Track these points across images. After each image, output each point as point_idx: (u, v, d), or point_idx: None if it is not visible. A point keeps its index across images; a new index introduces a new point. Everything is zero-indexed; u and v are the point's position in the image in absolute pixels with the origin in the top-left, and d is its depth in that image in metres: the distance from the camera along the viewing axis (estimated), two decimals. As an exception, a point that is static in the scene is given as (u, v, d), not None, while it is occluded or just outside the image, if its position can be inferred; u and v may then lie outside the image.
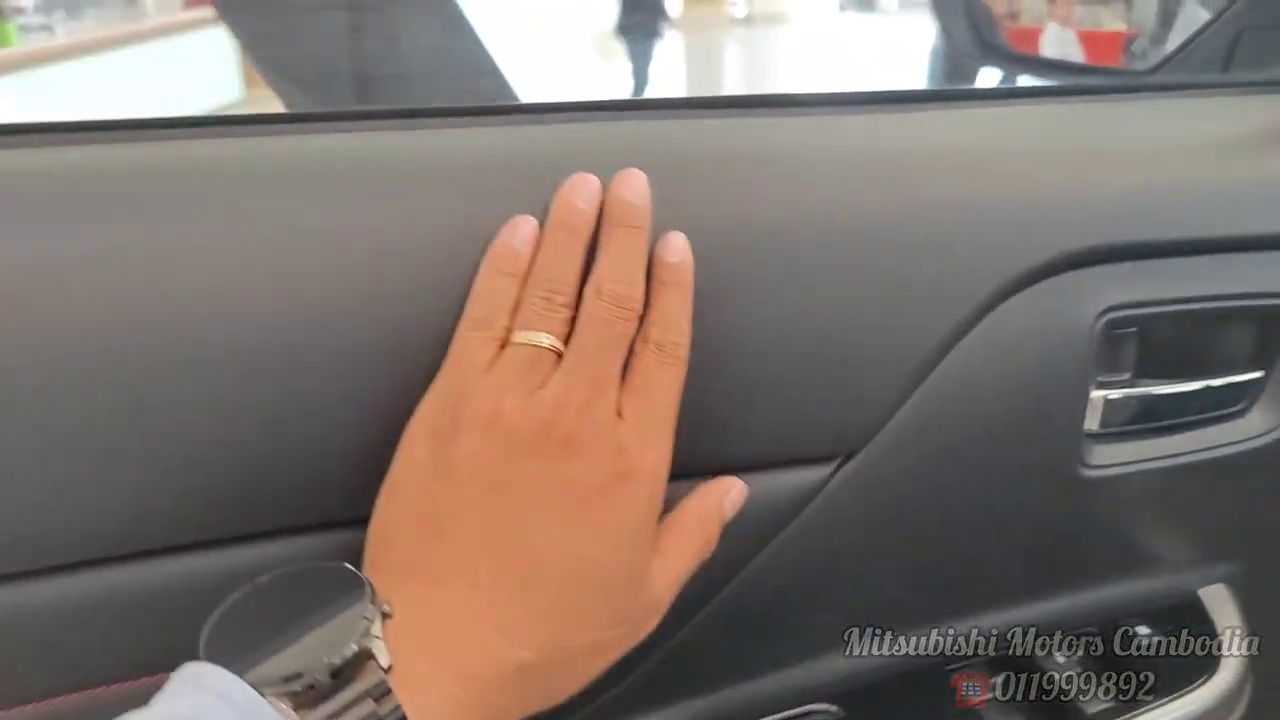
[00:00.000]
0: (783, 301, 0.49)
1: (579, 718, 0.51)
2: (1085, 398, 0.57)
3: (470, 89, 1.23)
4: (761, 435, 0.50)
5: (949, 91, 0.64)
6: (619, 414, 0.42)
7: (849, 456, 0.52)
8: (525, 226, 0.43)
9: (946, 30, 1.03)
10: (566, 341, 0.42)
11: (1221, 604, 0.66)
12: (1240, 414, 0.62)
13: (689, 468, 0.47)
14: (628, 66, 6.56)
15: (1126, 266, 0.56)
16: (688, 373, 0.44)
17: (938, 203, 0.52)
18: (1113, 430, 0.59)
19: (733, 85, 9.37)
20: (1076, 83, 1.04)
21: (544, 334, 0.42)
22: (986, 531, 0.58)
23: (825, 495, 0.52)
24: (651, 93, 6.62)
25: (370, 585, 0.38)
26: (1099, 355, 0.56)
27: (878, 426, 0.52)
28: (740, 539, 0.51)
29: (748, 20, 12.05)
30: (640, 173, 0.44)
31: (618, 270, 0.43)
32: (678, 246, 0.44)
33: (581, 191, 0.43)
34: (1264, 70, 0.83)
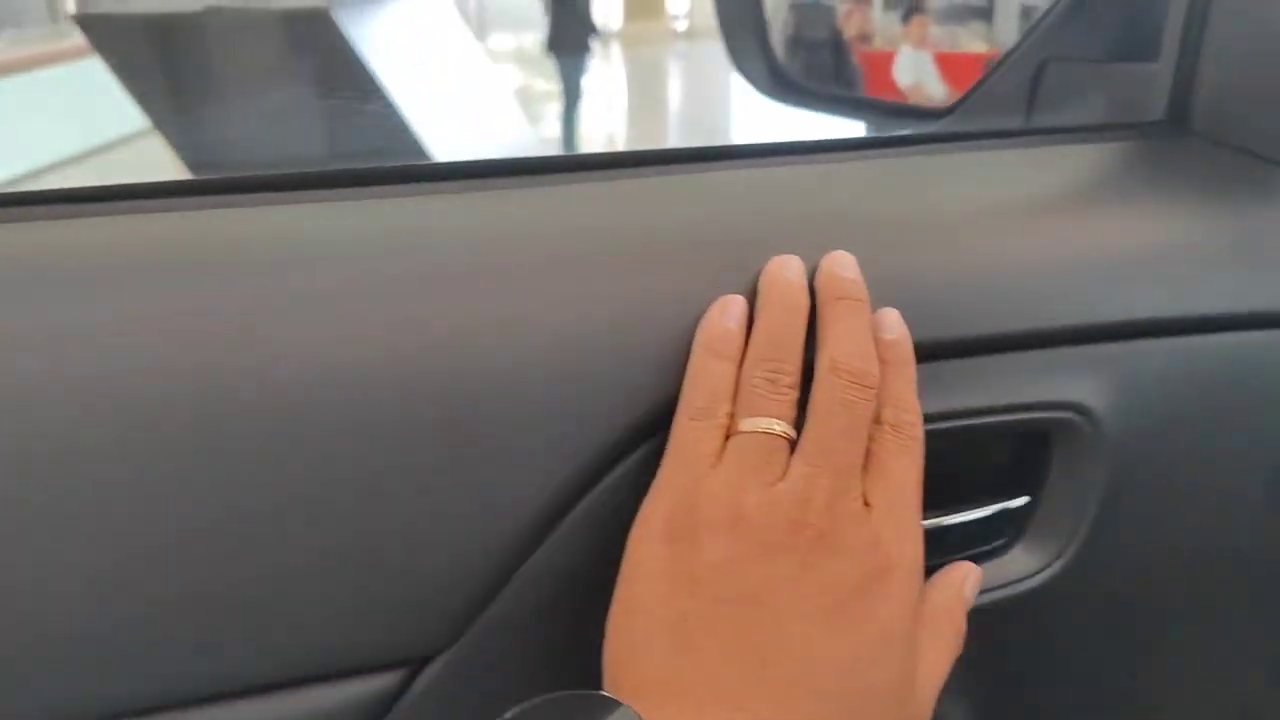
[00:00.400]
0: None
1: None
2: None
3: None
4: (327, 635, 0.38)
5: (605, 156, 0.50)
6: (866, 503, 0.39)
7: (430, 659, 0.40)
8: (736, 306, 0.41)
9: (738, 64, 0.91)
10: (795, 425, 0.39)
11: None
12: (1003, 549, 0.50)
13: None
14: (558, 85, 6.46)
15: None
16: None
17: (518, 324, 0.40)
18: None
19: (673, 99, 9.30)
20: (879, 122, 0.93)
21: (773, 419, 0.39)
22: None
23: (402, 707, 0.40)
24: (585, 109, 6.52)
25: (636, 712, 0.33)
26: None
27: (463, 623, 0.39)
28: None
29: (689, 34, 11.98)
30: (848, 254, 0.43)
31: (851, 344, 0.40)
32: (894, 324, 0.42)
33: (794, 268, 0.42)
34: (1069, 108, 0.72)
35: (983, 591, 0.49)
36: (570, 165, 0.50)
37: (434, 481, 0.39)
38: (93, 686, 0.36)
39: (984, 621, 0.49)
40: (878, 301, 0.44)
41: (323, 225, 0.43)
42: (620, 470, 0.41)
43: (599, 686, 0.39)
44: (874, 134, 0.99)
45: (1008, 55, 0.73)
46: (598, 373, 0.40)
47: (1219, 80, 0.56)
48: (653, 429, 0.41)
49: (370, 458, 0.38)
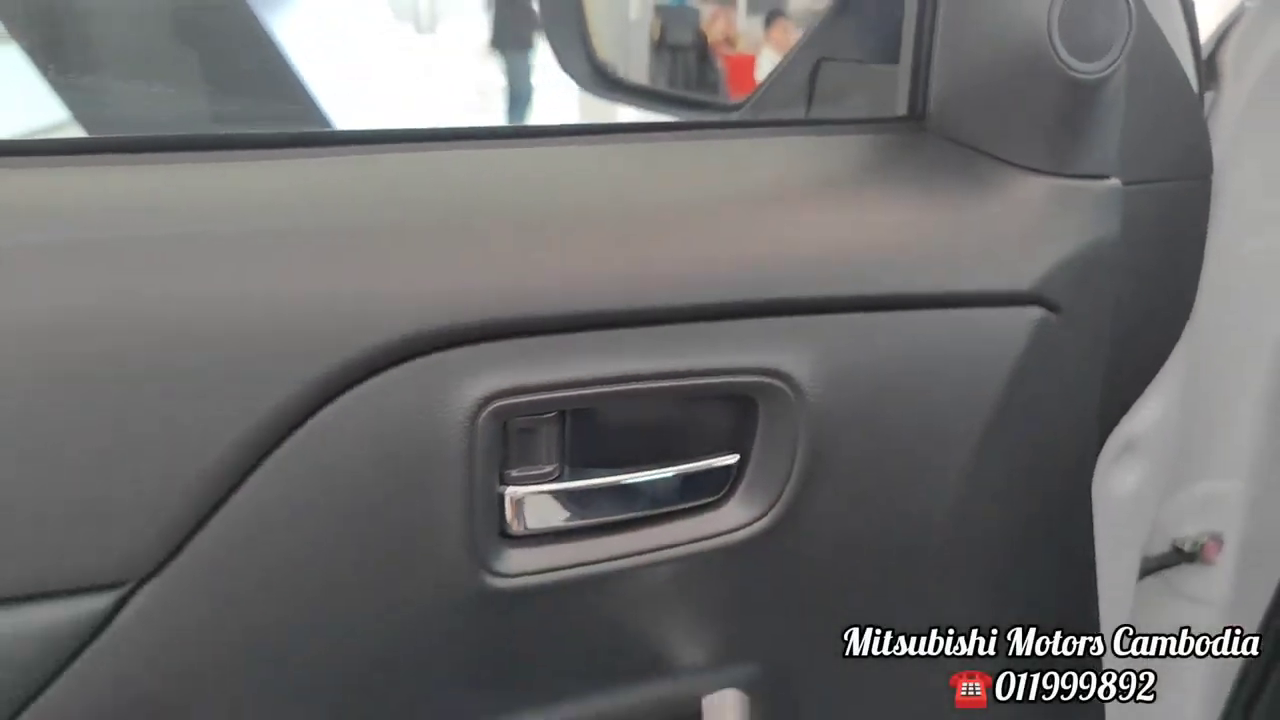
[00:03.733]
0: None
1: None
2: (488, 500, 0.47)
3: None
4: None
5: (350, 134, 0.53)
6: None
7: (137, 584, 0.41)
8: None
9: (560, 59, 0.94)
10: None
11: (725, 713, 0.57)
12: (718, 503, 0.54)
13: None
14: (503, 82, 6.32)
15: (522, 344, 0.46)
16: None
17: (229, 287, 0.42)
18: (541, 531, 0.50)
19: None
20: (690, 116, 0.97)
21: None
22: (388, 658, 0.48)
23: (113, 631, 0.42)
24: (536, 109, 6.37)
25: None
26: (492, 449, 0.47)
27: (166, 555, 0.41)
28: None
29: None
30: None
31: None
32: None
33: None
34: (839, 103, 0.77)
35: (705, 538, 0.53)
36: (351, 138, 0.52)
37: (142, 418, 0.41)
38: None
39: (709, 567, 0.53)
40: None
41: None
42: (311, 424, 0.43)
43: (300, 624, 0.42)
44: (656, 121, 1.03)
45: (790, 54, 0.77)
46: (289, 333, 0.43)
47: (946, 82, 0.61)
48: (340, 389, 0.43)
49: (89, 394, 0.40)
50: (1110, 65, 0.53)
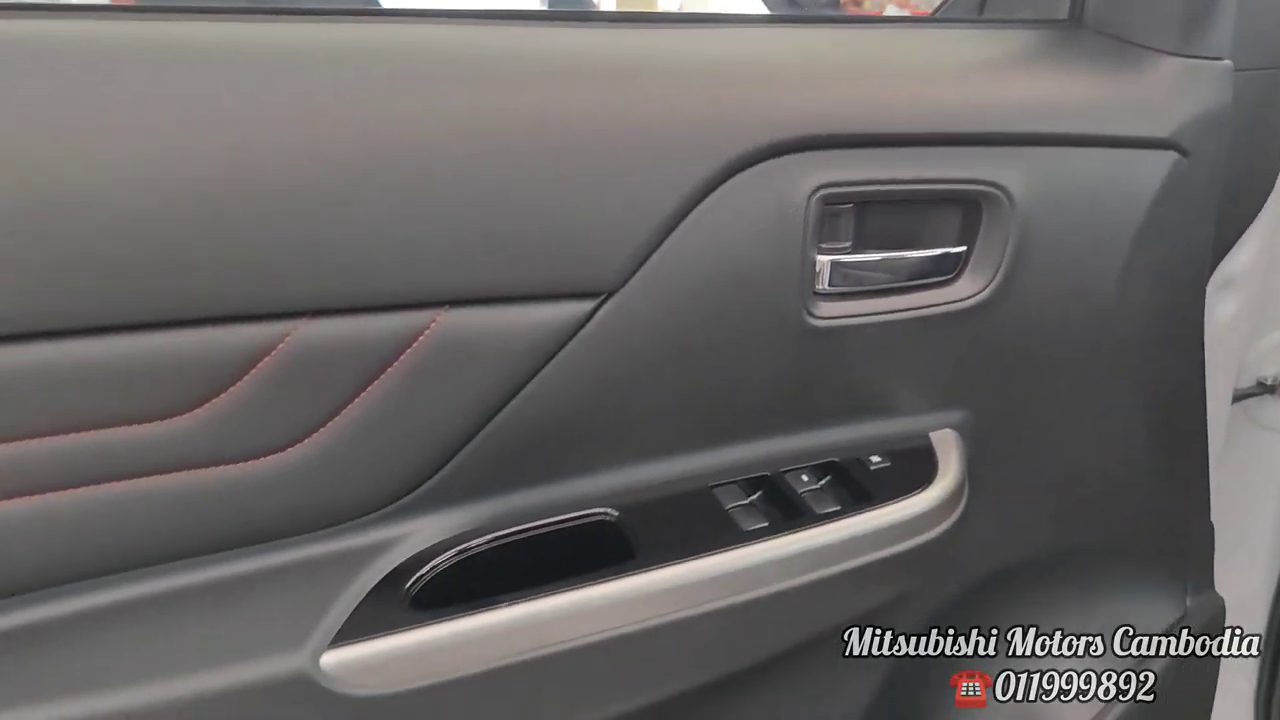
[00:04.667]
0: (547, 159, 0.61)
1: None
2: (809, 260, 0.70)
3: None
4: (530, 262, 0.62)
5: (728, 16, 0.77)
6: None
7: (609, 295, 0.64)
8: None
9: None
10: None
11: (948, 446, 0.80)
12: (951, 280, 0.76)
13: (473, 293, 0.60)
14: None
15: (838, 153, 0.69)
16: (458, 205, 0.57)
17: (665, 100, 0.65)
18: (838, 290, 0.73)
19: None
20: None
21: None
22: (731, 373, 0.71)
23: (591, 327, 0.64)
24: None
25: None
26: (817, 225, 0.69)
27: (626, 276, 0.64)
28: (507, 368, 0.63)
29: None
30: None
31: None
32: None
33: None
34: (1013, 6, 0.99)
35: (938, 305, 0.75)
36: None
37: (620, 170, 0.63)
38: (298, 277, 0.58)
39: (945, 328, 0.76)
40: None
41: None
42: (714, 195, 0.66)
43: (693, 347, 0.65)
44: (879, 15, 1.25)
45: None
46: (712, 127, 0.66)
47: None
48: (733, 172, 0.66)
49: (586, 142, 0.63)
50: None
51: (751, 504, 0.74)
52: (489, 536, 0.67)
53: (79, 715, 0.56)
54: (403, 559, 0.65)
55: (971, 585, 0.89)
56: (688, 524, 0.71)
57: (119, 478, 0.57)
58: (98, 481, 0.57)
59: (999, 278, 0.76)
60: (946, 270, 0.76)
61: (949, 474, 0.78)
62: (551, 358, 0.64)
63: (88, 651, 0.58)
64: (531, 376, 0.64)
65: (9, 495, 0.55)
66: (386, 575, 0.64)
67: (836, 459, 0.77)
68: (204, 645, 0.60)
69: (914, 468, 0.78)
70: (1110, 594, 0.96)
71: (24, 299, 0.52)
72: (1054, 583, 0.94)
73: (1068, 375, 0.83)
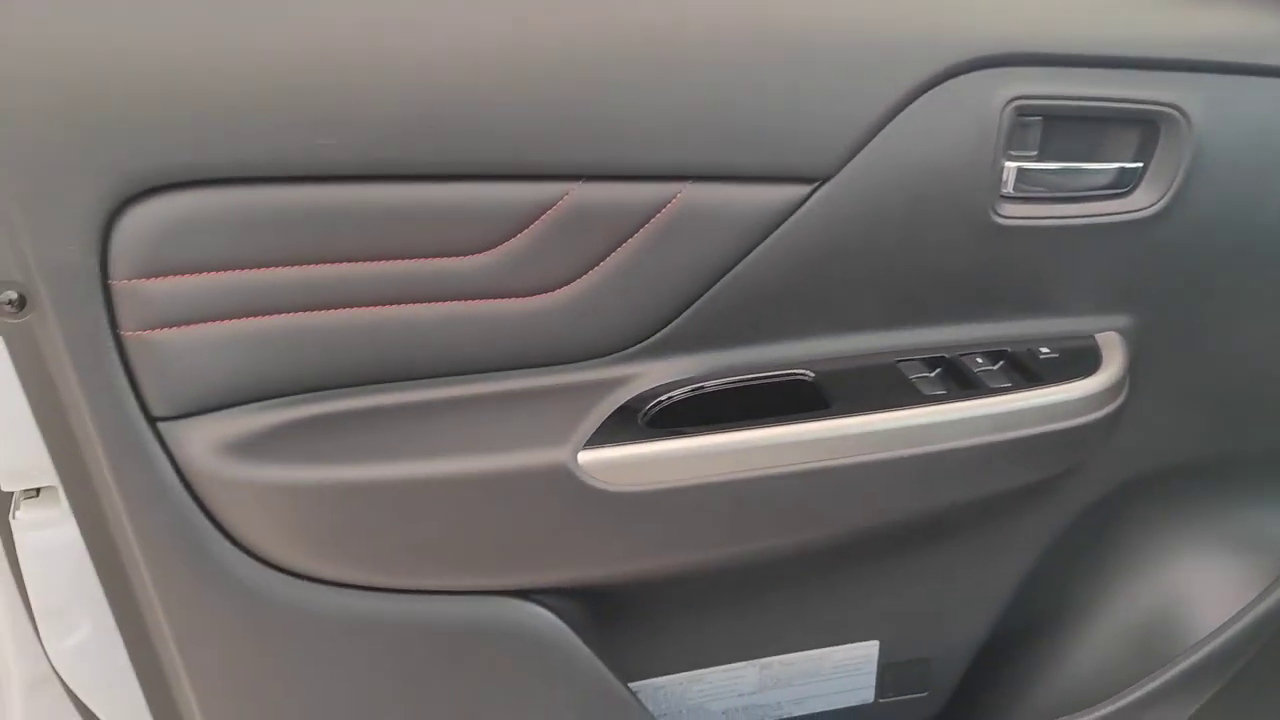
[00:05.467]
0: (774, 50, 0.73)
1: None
2: (999, 165, 0.80)
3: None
4: (761, 147, 0.74)
5: None
6: None
7: (823, 182, 0.77)
8: None
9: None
10: None
11: (1113, 346, 0.89)
12: (1127, 193, 0.85)
13: (712, 170, 0.73)
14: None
15: (1033, 70, 0.79)
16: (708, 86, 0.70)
17: (886, 11, 0.76)
18: (1023, 194, 0.83)
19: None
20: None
21: None
22: (922, 261, 0.82)
23: (804, 210, 0.77)
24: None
25: None
26: (1009, 134, 0.80)
27: (839, 165, 0.76)
28: (734, 238, 0.76)
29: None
30: None
31: None
32: None
33: None
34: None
35: (1114, 214, 0.84)
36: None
37: (836, 69, 0.75)
38: None
39: (1119, 236, 0.85)
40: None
41: None
42: (917, 102, 0.77)
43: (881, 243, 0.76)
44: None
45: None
46: (924, 42, 0.76)
47: None
48: (936, 83, 0.77)
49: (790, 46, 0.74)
50: None
51: (932, 377, 0.85)
52: (708, 382, 0.81)
53: (400, 476, 0.73)
54: (639, 390, 0.79)
55: (1126, 481, 0.98)
56: (875, 387, 0.83)
57: (433, 299, 0.73)
58: (417, 301, 0.72)
59: (1171, 193, 0.84)
60: (1123, 184, 0.85)
61: (1112, 368, 0.87)
62: (770, 233, 0.77)
63: (407, 433, 0.74)
64: (752, 248, 0.77)
65: (349, 304, 0.71)
66: (627, 401, 0.78)
67: (1009, 348, 0.88)
68: (489, 438, 0.75)
69: (1080, 361, 0.88)
70: (1259, 507, 1.03)
71: (370, 149, 0.67)
72: (1204, 491, 1.02)
73: (1232, 288, 0.91)
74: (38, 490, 0.76)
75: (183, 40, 0.63)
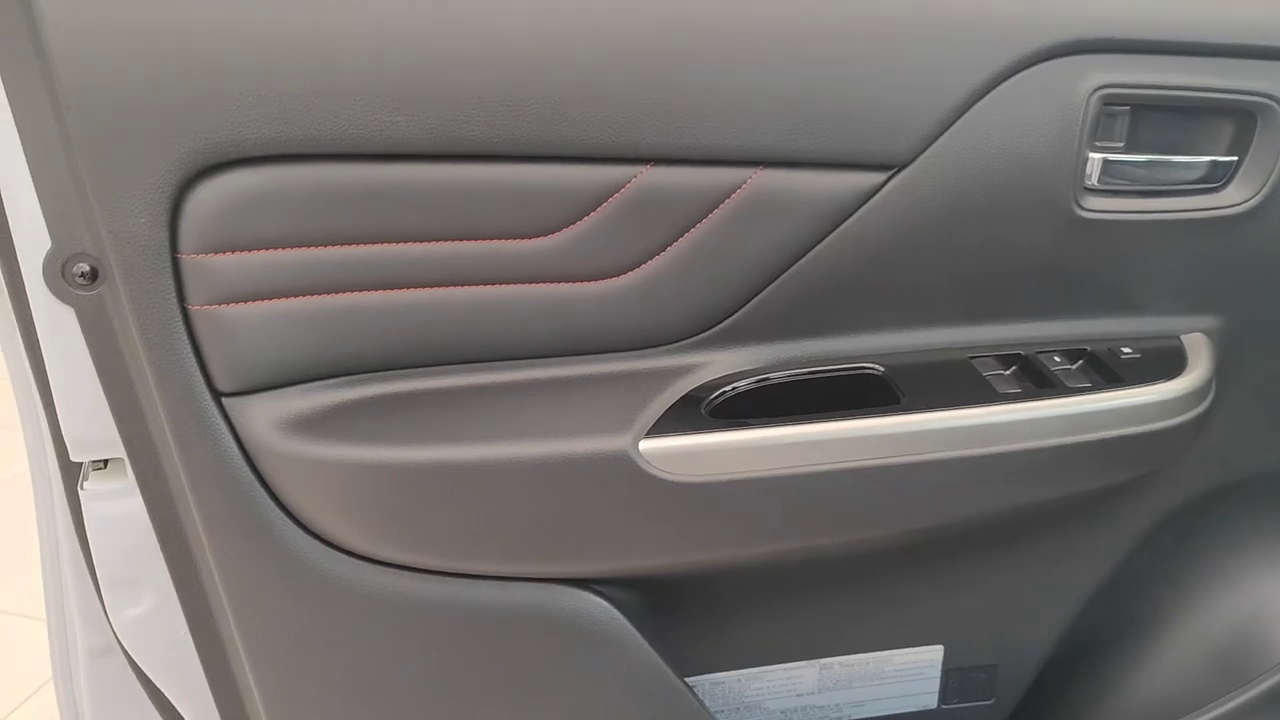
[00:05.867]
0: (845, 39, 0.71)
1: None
2: (1083, 156, 0.77)
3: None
4: (836, 133, 0.72)
5: None
6: None
7: (898, 170, 0.74)
8: None
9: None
10: None
11: (1198, 348, 0.86)
12: (1219, 188, 0.82)
13: (784, 156, 0.71)
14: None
15: (1121, 57, 0.76)
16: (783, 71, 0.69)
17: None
18: (1108, 187, 0.79)
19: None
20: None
21: None
22: (1000, 253, 0.79)
23: (879, 198, 0.75)
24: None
25: None
26: (1094, 124, 0.76)
27: (917, 152, 0.74)
28: (805, 226, 0.74)
29: None
30: None
31: None
32: None
33: None
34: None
35: (1204, 210, 0.81)
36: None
37: (909, 54, 0.73)
38: None
39: (1209, 233, 0.81)
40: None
41: None
42: (1001, 87, 0.74)
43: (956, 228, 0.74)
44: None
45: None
46: (1013, 25, 0.74)
47: None
48: (1021, 69, 0.74)
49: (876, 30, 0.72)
50: None
51: (1006, 375, 0.82)
52: (775, 373, 0.79)
53: (459, 459, 0.72)
54: (704, 380, 0.77)
55: (1209, 489, 0.94)
56: (947, 383, 0.80)
57: (497, 281, 0.72)
58: (481, 283, 0.72)
59: (1267, 189, 0.80)
60: (1215, 178, 0.81)
61: (1197, 371, 0.83)
62: (842, 221, 0.75)
63: (467, 417, 0.74)
64: (823, 237, 0.75)
65: (413, 285, 0.71)
66: (691, 390, 0.77)
67: (1088, 347, 0.84)
68: (550, 423, 0.74)
69: (1163, 362, 0.84)
70: None
71: (441, 127, 0.67)
72: None
73: None
74: (105, 462, 0.77)
75: (256, 15, 0.63)
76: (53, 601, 0.86)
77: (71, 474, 0.77)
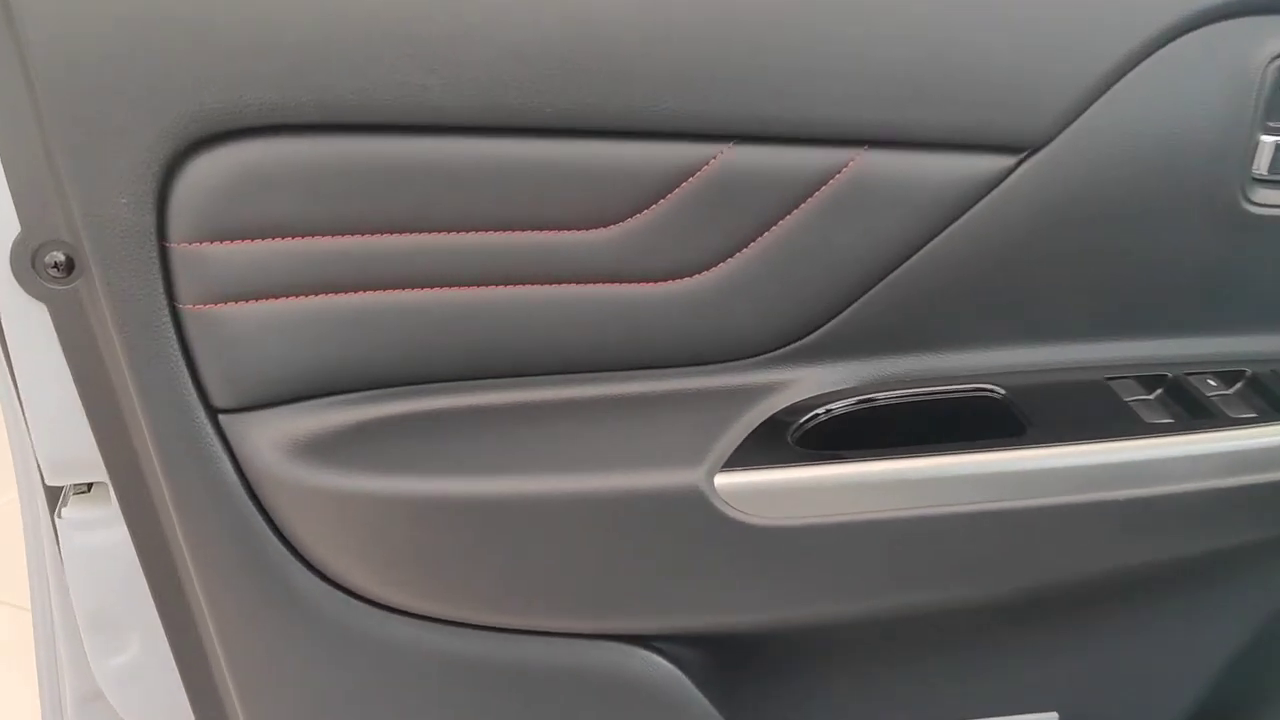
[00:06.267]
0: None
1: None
2: (1254, 140, 0.64)
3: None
4: (957, 107, 0.60)
5: None
6: None
7: (1032, 152, 0.62)
8: None
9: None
10: None
11: None
12: None
13: (893, 134, 0.59)
14: None
15: None
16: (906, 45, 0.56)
17: None
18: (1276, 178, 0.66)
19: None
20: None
21: None
22: (1149, 256, 0.67)
23: (1007, 185, 0.62)
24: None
25: None
26: (1270, 101, 0.63)
27: (1055, 131, 0.61)
28: (915, 219, 0.62)
29: None
30: None
31: None
32: None
33: None
34: None
35: None
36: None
37: (1050, 13, 0.60)
38: None
39: None
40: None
41: None
42: (1155, 56, 0.61)
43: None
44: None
45: None
46: None
47: None
48: (1198, 23, 0.61)
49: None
50: None
51: (1152, 400, 0.69)
52: (876, 394, 0.67)
53: (497, 493, 0.61)
54: (791, 401, 0.66)
55: None
56: (1081, 410, 0.68)
57: (546, 281, 0.61)
58: (527, 282, 0.60)
59: None
60: None
61: None
62: (961, 214, 0.63)
63: (508, 442, 0.63)
64: (937, 233, 0.63)
65: (447, 283, 0.60)
66: (776, 413, 0.65)
67: (1249, 369, 0.71)
68: (606, 452, 0.63)
69: None
70: None
71: (482, 94, 0.56)
72: None
73: None
74: (89, 486, 0.66)
75: None
76: (43, 640, 0.77)
77: (54, 500, 0.67)
